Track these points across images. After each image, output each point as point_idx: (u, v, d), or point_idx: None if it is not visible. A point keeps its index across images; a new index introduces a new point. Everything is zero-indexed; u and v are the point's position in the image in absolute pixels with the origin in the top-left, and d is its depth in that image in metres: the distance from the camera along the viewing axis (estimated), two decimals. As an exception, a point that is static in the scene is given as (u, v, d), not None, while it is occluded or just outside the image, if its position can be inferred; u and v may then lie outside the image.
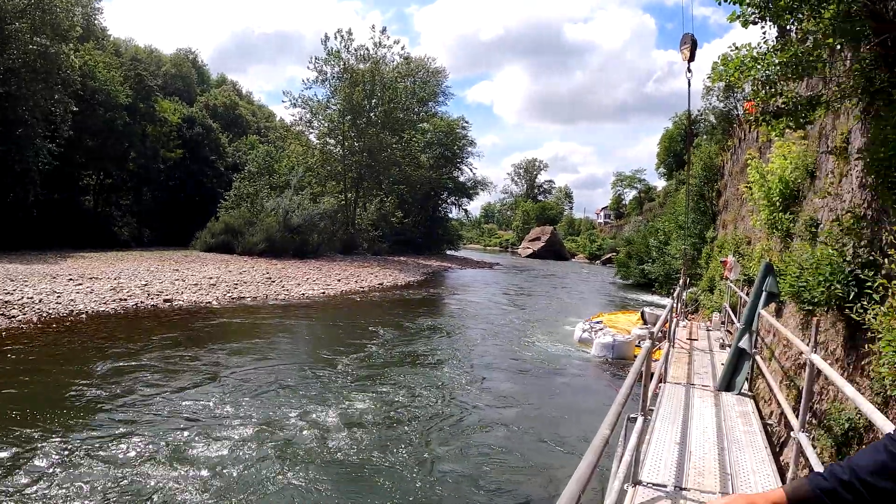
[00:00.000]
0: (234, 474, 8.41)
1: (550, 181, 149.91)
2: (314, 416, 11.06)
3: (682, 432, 7.00)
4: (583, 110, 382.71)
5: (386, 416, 11.44)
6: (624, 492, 5.03)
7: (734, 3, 6.16)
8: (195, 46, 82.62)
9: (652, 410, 7.72)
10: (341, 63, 56.01)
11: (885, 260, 5.27)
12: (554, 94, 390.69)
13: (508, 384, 14.69)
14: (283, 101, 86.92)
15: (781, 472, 5.99)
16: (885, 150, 5.25)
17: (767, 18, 6.29)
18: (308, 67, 59.34)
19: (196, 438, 9.53)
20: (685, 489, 5.35)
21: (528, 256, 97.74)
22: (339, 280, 32.92)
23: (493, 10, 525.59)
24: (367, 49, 57.35)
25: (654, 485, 5.38)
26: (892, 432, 1.37)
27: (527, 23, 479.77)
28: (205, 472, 8.38)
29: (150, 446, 9.10)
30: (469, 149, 78.10)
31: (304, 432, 10.21)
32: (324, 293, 27.93)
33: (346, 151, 56.24)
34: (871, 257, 6.18)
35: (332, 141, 57.10)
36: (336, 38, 56.06)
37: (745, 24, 6.34)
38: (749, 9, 6.21)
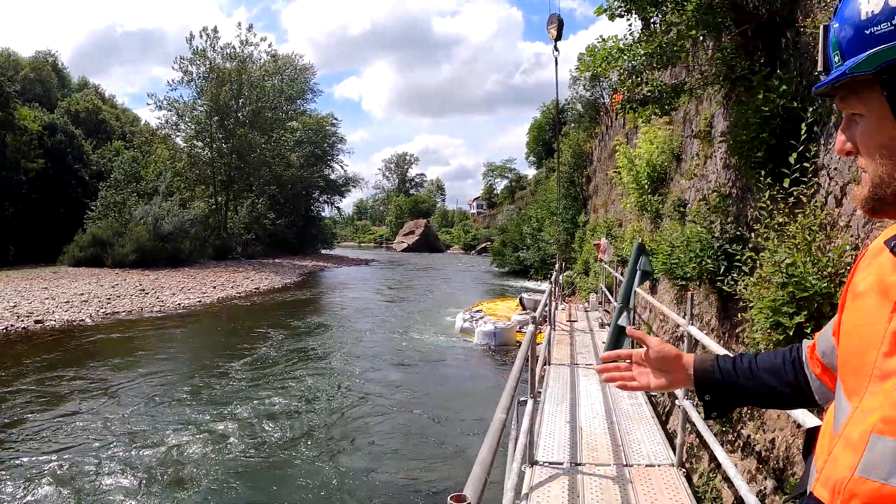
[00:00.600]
0: (136, 492, 8.07)
1: (422, 174, 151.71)
2: (211, 423, 10.77)
3: (571, 411, 7.29)
4: (452, 103, 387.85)
5: (282, 416, 11.30)
6: (523, 472, 5.22)
7: (600, -2, 6.43)
8: (54, 48, 76.61)
9: (540, 392, 7.99)
10: (207, 62, 53.97)
11: (752, 234, 5.68)
12: (423, 88, 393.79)
13: (399, 377, 14.79)
14: (147, 104, 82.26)
15: (670, 439, 6.39)
16: (746, 132, 5.64)
17: (633, 11, 6.62)
18: (173, 68, 56.62)
19: (88, 461, 8.99)
20: (580, 465, 5.59)
21: (404, 250, 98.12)
22: (214, 287, 31.84)
23: (361, 5, 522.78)
24: (233, 47, 55.57)
25: (550, 463, 5.60)
26: (795, 345, 1.50)
27: (395, 17, 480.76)
28: (102, 495, 7.97)
29: (41, 476, 8.49)
30: (339, 146, 77.26)
31: (203, 441, 9.91)
32: (200, 301, 26.99)
33: (215, 153, 54.24)
34: (738, 232, 6.67)
35: (200, 143, 54.85)
36: (201, 36, 53.94)
37: (611, 18, 6.63)
38: (616, 2, 6.50)
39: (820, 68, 1.05)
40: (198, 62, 53.99)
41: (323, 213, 79.69)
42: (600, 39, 7.18)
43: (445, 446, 10.16)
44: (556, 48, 15.21)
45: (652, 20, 7.02)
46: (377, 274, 50.78)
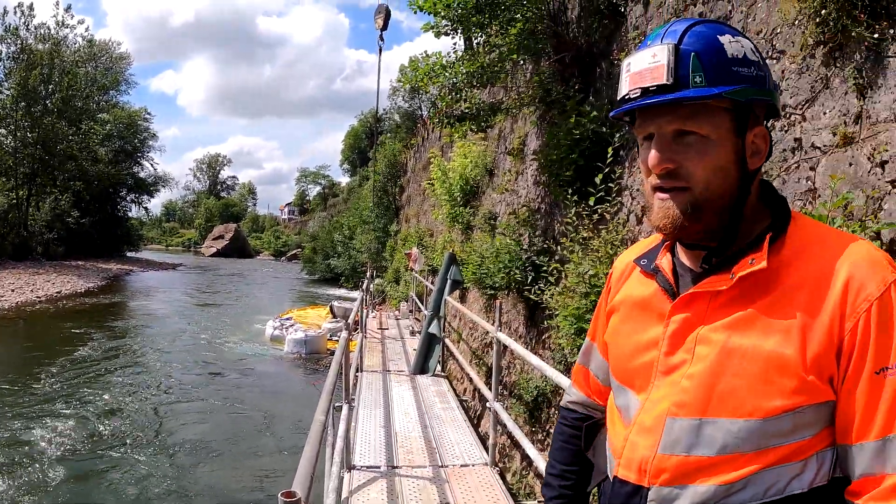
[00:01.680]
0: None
1: (234, 177, 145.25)
2: (20, 430, 10.12)
3: (385, 416, 7.36)
4: (270, 105, 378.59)
5: (96, 423, 10.82)
6: (342, 477, 5.22)
7: (429, 14, 6.55)
8: None
9: (354, 398, 8.02)
10: (19, 42, 48.23)
11: (558, 247, 6.05)
12: (242, 87, 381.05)
13: (211, 386, 14.35)
14: (-51, 86, 71.26)
15: (482, 440, 6.61)
16: (557, 152, 5.99)
17: (459, 31, 6.86)
18: (-21, 47, 49.90)
19: None
20: (397, 467, 5.67)
21: (213, 255, 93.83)
22: (12, 290, 28.66)
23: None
24: (48, 28, 50.00)
25: (368, 467, 5.63)
26: (562, 430, 1.64)
27: (220, 11, 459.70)
28: None
29: None
30: (151, 142, 72.10)
31: (11, 448, 9.32)
32: (-3, 305, 24.35)
33: (18, 143, 48.32)
34: (545, 245, 7.07)
35: (3, 131, 48.50)
36: (16, 13, 48.00)
37: (437, 35, 6.80)
38: (443, 21, 6.68)
39: (665, 81, 1.13)
40: (8, 41, 48.12)
41: (130, 214, 74.09)
42: (424, 54, 7.37)
43: (261, 451, 10.14)
44: (381, 38, 15.70)
45: (476, 41, 7.30)
46: (186, 279, 48.23)
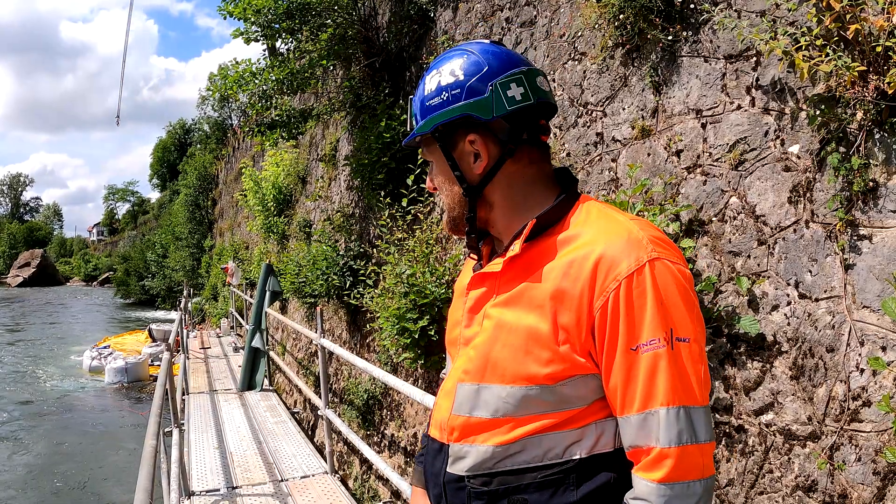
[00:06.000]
0: None
1: (38, 198, 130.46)
2: None
3: (217, 437, 6.97)
4: (73, 118, 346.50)
5: None
6: (182, 505, 4.82)
7: (239, 20, 6.23)
8: None
9: (184, 423, 7.50)
10: None
11: (374, 250, 5.96)
12: (43, 99, 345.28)
13: (32, 430, 13.11)
14: None
15: (319, 449, 6.37)
16: (369, 156, 5.89)
17: (269, 37, 6.56)
18: None
19: None
20: (237, 488, 5.42)
21: (20, 285, 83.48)
22: None
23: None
24: None
25: (207, 491, 5.34)
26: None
27: (20, 15, 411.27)
28: None
29: None
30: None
31: None
32: None
33: None
34: (361, 249, 6.95)
35: None
36: None
37: (247, 42, 6.48)
38: (253, 27, 6.36)
39: (409, 129, 1.34)
40: None
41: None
42: (234, 62, 6.99)
43: (93, 488, 9.63)
44: None
45: (286, 47, 7.01)
46: (-8, 313, 42.73)
